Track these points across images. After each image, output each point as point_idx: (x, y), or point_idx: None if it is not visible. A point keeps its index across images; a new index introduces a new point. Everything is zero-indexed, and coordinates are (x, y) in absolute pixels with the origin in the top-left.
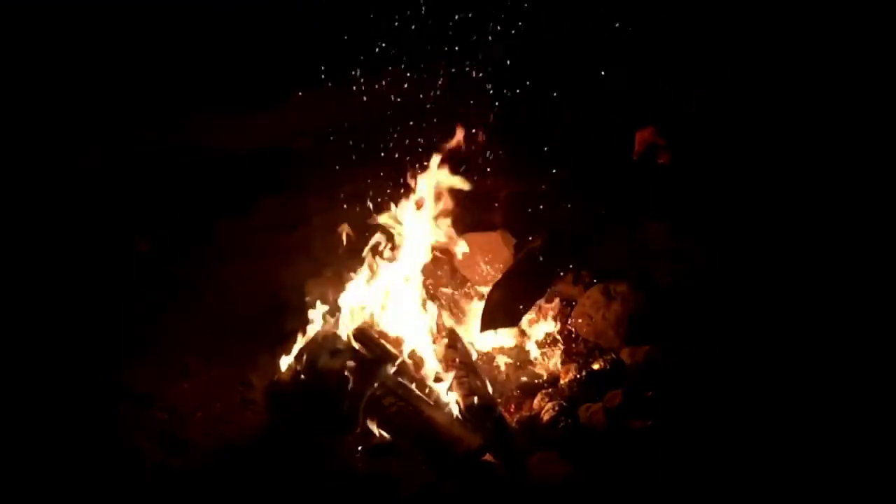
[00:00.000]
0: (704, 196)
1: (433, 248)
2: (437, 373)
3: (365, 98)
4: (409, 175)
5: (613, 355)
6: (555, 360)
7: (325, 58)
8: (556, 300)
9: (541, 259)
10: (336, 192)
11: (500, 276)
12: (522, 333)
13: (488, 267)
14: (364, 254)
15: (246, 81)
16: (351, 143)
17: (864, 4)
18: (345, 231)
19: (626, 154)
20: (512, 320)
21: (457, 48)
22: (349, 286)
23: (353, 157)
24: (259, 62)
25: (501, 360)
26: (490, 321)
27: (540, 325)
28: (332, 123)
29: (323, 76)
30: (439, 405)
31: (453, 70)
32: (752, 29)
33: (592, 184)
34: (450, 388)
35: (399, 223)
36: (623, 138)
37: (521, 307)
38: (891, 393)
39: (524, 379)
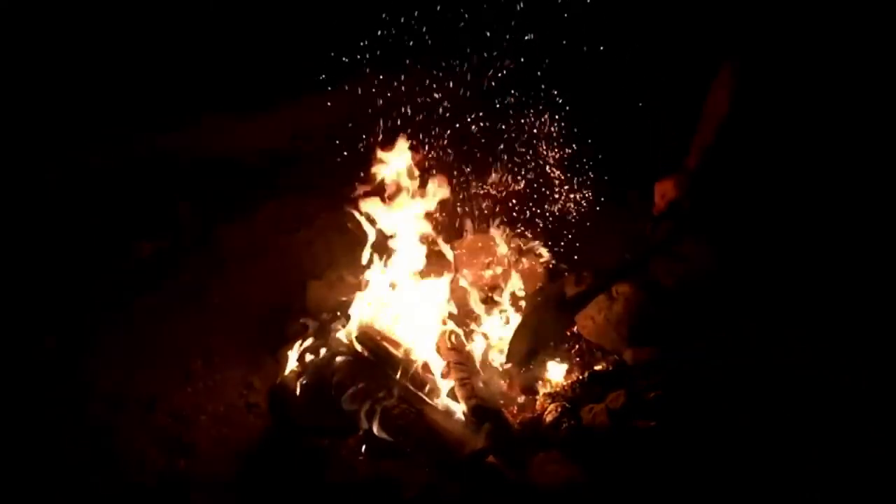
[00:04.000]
0: (707, 198)
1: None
2: (440, 375)
3: (367, 100)
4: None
5: (616, 356)
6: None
7: (326, 60)
8: None
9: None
10: (338, 194)
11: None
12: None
13: (488, 268)
14: (366, 255)
15: (247, 83)
16: (353, 145)
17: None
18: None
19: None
20: (533, 354)
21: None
22: (351, 288)
23: (356, 160)
24: (260, 64)
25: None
26: (514, 355)
27: None
28: (334, 125)
29: (324, 78)
30: (442, 407)
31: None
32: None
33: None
34: (453, 391)
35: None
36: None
37: (544, 342)
38: (891, 393)
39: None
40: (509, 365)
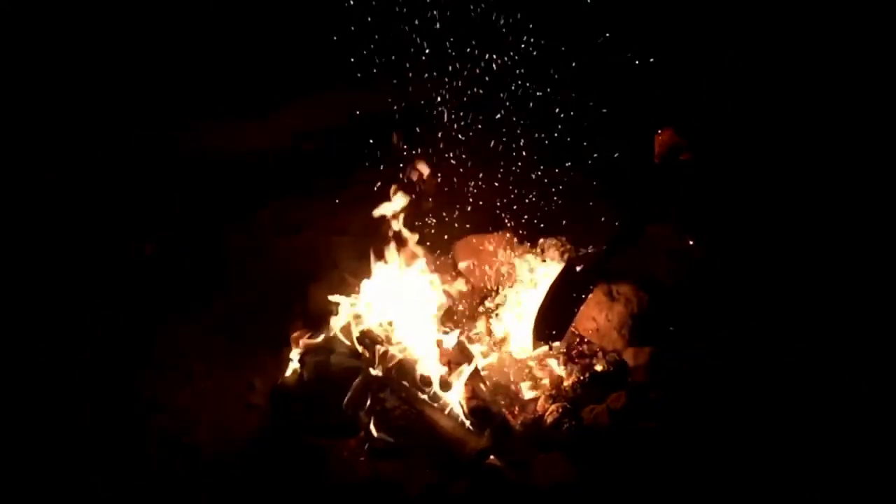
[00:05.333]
0: (713, 194)
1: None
2: (441, 376)
3: (367, 102)
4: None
5: (617, 357)
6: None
7: (327, 61)
8: None
9: (578, 272)
10: (338, 196)
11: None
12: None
13: (491, 271)
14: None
15: (248, 85)
16: (353, 146)
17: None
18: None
19: (648, 158)
20: (559, 334)
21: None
22: (353, 289)
23: (356, 161)
24: (262, 65)
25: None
26: (539, 338)
27: None
28: (334, 127)
29: (324, 80)
30: (443, 408)
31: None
32: (757, 25)
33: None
34: (454, 392)
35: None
36: (642, 140)
37: (565, 320)
38: (891, 393)
39: (528, 381)
40: (539, 346)
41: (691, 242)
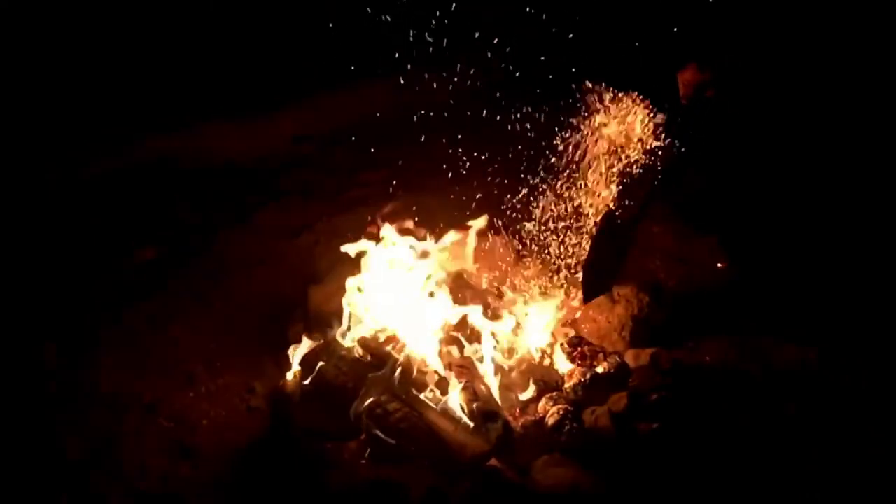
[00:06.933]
0: (717, 191)
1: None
2: (442, 378)
3: (367, 103)
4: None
5: (618, 358)
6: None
7: (326, 64)
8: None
9: (619, 221)
10: (338, 198)
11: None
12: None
13: (488, 271)
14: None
15: (249, 86)
16: (353, 148)
17: None
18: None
19: (675, 99)
20: (607, 286)
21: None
22: (353, 292)
23: (356, 163)
24: (260, 68)
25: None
26: (590, 292)
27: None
28: (334, 129)
29: (324, 82)
30: (444, 411)
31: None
32: (757, 25)
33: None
34: (454, 394)
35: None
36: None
37: (612, 271)
38: (891, 393)
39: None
40: (591, 299)
41: (720, 265)
